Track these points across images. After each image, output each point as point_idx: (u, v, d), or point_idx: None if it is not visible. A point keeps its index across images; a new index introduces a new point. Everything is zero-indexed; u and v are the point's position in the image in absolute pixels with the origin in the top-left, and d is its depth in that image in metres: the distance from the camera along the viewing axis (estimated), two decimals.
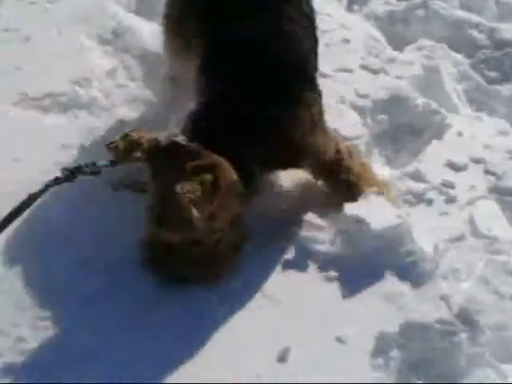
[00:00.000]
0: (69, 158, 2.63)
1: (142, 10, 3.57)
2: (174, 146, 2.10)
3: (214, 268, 2.30)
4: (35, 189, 2.39)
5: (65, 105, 2.88)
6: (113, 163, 2.18)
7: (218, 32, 2.42)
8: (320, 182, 2.60)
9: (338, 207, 2.49)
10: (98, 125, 2.81)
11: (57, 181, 2.12)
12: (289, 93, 2.30)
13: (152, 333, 2.18)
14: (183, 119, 2.30)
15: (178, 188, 1.96)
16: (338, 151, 2.49)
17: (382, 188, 2.59)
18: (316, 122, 2.37)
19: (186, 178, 2.00)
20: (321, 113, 2.42)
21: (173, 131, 2.15)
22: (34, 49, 3.15)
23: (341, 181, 2.53)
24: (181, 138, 2.12)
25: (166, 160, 2.09)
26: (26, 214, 2.34)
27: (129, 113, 2.91)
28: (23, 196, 2.14)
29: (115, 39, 3.23)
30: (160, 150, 2.10)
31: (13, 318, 2.16)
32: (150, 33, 3.29)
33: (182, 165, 2.04)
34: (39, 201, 2.42)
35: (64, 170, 2.15)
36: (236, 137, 2.17)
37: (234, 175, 2.09)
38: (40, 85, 2.94)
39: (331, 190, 2.59)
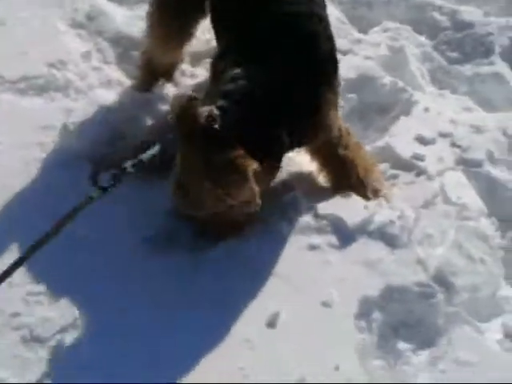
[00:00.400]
0: (50, 138, 2.68)
1: None
2: (210, 129, 2.14)
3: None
4: (18, 170, 2.46)
5: (41, 87, 2.90)
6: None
7: (249, 13, 2.44)
8: (315, 162, 2.69)
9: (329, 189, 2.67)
10: (75, 106, 2.85)
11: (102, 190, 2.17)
12: (324, 75, 2.40)
13: (141, 301, 2.24)
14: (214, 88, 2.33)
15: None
16: (339, 129, 2.58)
17: (373, 167, 2.71)
18: (337, 100, 2.51)
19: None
20: (339, 94, 2.56)
21: (211, 108, 2.17)
22: (8, 32, 3.15)
23: (338, 156, 2.62)
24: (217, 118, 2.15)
25: (198, 139, 2.15)
26: (11, 195, 2.41)
27: (104, 95, 2.95)
28: (6, 178, 2.22)
29: (88, 22, 3.26)
30: (197, 128, 2.14)
31: (5, 295, 2.19)
32: (123, 16, 3.34)
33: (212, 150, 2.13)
34: (22, 182, 2.49)
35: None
36: (275, 114, 2.25)
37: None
38: (16, 68, 2.96)
39: (326, 169, 2.68)
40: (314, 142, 2.57)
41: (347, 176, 2.65)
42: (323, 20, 2.48)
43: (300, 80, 2.32)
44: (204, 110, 2.14)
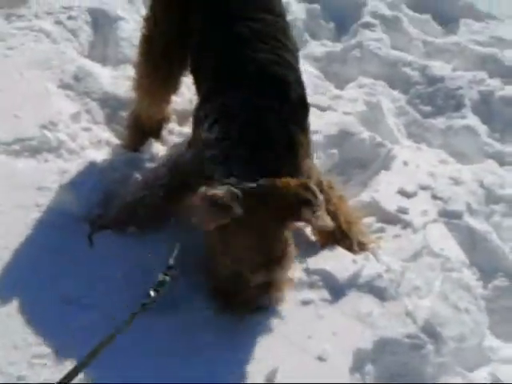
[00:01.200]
0: (46, 199, 2.72)
1: (95, 56, 3.70)
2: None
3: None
4: (18, 231, 2.51)
5: (35, 148, 2.94)
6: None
7: (225, 62, 2.57)
8: None
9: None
10: (68, 167, 2.90)
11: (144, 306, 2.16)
12: (294, 117, 2.49)
13: (145, 360, 2.28)
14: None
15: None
16: (320, 182, 2.67)
17: (357, 220, 2.79)
18: (310, 146, 2.61)
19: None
20: (311, 141, 2.64)
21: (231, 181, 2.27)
22: None
23: None
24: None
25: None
26: (12, 255, 2.46)
27: (96, 155, 3.01)
28: (8, 238, 2.33)
29: (76, 83, 3.34)
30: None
31: (9, 358, 2.21)
32: (109, 77, 3.44)
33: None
34: (22, 242, 2.54)
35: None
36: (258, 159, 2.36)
37: None
38: (9, 130, 2.99)
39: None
40: None
41: (332, 230, 2.72)
42: (294, 67, 2.61)
43: (273, 122, 2.42)
44: (226, 192, 2.22)
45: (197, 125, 2.59)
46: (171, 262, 2.26)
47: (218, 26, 2.65)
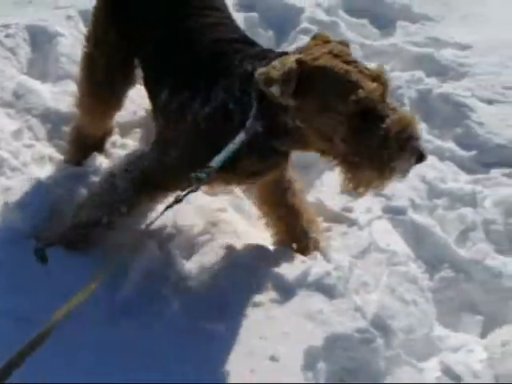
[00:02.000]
0: None
1: (34, 73, 3.68)
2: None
3: None
4: None
5: None
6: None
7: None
8: (263, 209, 2.85)
9: None
10: (11, 184, 2.86)
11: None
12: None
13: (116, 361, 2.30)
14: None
15: None
16: (291, 173, 2.75)
17: (314, 217, 2.85)
18: None
19: None
20: None
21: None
22: None
23: (287, 204, 2.76)
24: None
25: None
26: None
27: (39, 171, 2.99)
28: None
29: (16, 100, 3.31)
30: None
31: None
32: (49, 92, 3.42)
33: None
34: None
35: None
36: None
37: None
38: None
39: (274, 216, 2.82)
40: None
41: (293, 226, 2.78)
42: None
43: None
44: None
45: (169, 117, 2.48)
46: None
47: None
